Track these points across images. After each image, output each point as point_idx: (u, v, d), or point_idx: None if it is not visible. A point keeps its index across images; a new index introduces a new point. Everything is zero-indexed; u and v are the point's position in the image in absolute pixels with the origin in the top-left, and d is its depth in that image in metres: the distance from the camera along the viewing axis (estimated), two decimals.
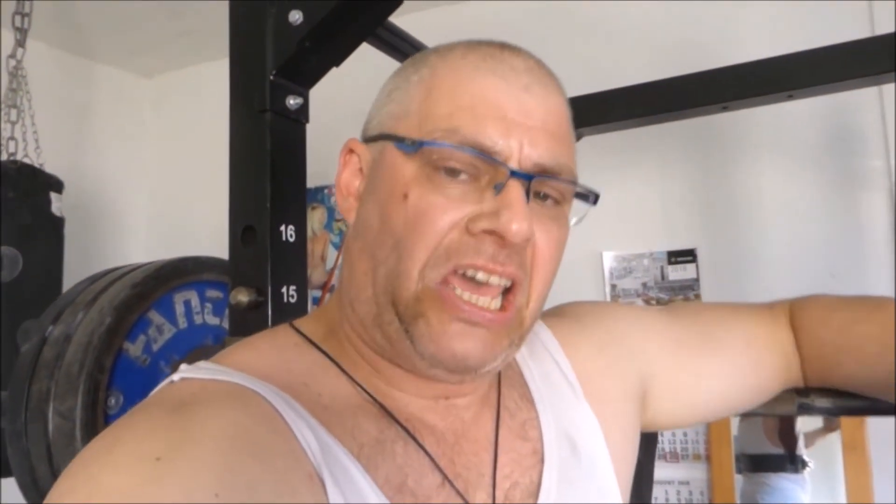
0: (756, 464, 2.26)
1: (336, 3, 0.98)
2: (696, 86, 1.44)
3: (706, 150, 2.28)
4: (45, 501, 0.43)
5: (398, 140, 0.57)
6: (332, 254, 2.78)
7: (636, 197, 2.31)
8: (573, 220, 0.61)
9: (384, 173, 0.58)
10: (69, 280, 2.12)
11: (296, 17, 1.01)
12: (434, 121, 0.56)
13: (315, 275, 2.75)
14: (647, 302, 2.33)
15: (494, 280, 0.54)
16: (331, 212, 2.81)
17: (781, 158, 2.18)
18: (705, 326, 0.78)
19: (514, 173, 0.54)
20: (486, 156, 0.53)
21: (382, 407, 0.57)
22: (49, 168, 2.17)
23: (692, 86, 1.45)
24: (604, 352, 0.72)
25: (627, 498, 0.67)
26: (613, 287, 2.38)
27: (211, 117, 3.02)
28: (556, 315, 0.74)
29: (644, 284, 2.35)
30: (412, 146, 0.55)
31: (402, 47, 1.26)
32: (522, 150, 0.54)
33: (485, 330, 0.54)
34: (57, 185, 2.13)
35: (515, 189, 0.53)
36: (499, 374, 0.65)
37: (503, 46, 0.59)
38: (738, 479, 2.24)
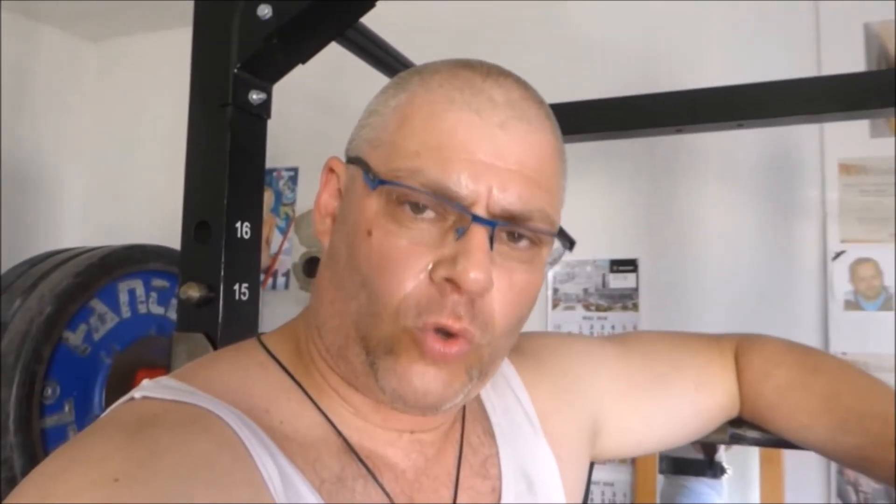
0: (677, 467, 2.34)
1: (308, 2, 0.97)
2: (653, 107, 1.47)
3: (655, 166, 2.34)
4: None
5: (366, 169, 0.55)
6: (276, 238, 2.74)
7: (583, 205, 2.35)
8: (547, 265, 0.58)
9: (353, 204, 0.56)
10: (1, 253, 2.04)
11: (265, 11, 0.99)
12: (400, 158, 0.53)
13: None
14: (588, 308, 2.39)
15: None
16: (278, 195, 2.77)
17: (724, 182, 2.26)
18: (657, 366, 0.80)
19: (476, 219, 0.51)
20: (448, 201, 0.51)
21: (345, 441, 0.56)
22: None
23: (648, 106, 1.48)
24: (561, 392, 0.73)
25: None
26: (556, 291, 2.42)
27: (159, 90, 2.95)
28: (517, 351, 0.74)
29: (585, 290, 2.40)
30: (373, 181, 0.53)
31: (368, 48, 1.25)
32: (491, 194, 0.52)
33: (443, 370, 0.53)
34: None
35: (477, 236, 0.51)
36: (463, 408, 0.65)
37: (488, 73, 0.56)
38: (660, 480, 2.32)
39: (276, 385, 0.58)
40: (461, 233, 0.51)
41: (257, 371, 0.58)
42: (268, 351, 0.60)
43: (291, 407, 0.56)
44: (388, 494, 0.55)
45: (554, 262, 0.59)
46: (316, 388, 0.58)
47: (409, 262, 0.52)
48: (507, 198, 0.52)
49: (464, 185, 0.51)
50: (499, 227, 0.52)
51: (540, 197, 0.54)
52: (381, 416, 0.58)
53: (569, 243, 0.58)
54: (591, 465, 0.80)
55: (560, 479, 0.67)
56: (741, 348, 0.82)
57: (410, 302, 0.52)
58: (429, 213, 0.52)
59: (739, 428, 0.81)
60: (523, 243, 0.55)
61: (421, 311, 0.52)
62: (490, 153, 0.52)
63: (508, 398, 0.69)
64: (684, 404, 0.79)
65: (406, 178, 0.52)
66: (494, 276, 0.53)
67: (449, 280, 0.51)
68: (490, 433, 0.66)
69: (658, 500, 2.28)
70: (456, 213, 0.52)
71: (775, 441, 0.79)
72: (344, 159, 0.61)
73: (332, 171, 0.61)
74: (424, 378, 0.53)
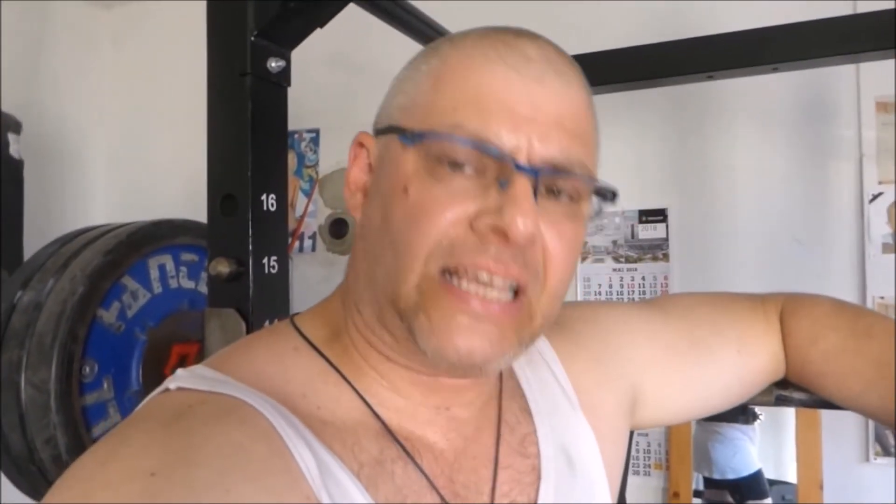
0: None
1: None
2: (683, 53, 1.42)
3: (682, 112, 2.27)
4: None
5: (401, 132, 0.54)
6: (301, 200, 2.73)
7: (610, 155, 2.26)
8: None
9: (388, 168, 0.55)
10: (28, 224, 2.05)
11: None
12: (438, 114, 0.53)
13: None
14: (617, 260, 2.36)
15: (498, 281, 0.51)
16: (300, 157, 2.75)
17: (755, 125, 2.19)
18: (697, 331, 0.77)
19: (519, 167, 0.50)
20: (490, 150, 0.51)
21: (383, 423, 0.56)
22: (5, 107, 2.07)
23: (679, 53, 1.43)
24: (598, 364, 0.71)
25: (615, 501, 0.68)
26: (584, 244, 2.39)
27: (177, 54, 2.90)
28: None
29: (614, 242, 2.36)
30: (411, 138, 0.52)
31: (388, 7, 1.21)
32: (532, 146, 0.51)
33: (492, 325, 0.51)
34: (15, 126, 2.03)
35: (522, 185, 0.50)
36: (500, 385, 0.64)
37: (519, 33, 0.56)
38: (693, 426, 2.32)
39: (311, 370, 0.57)
40: (505, 184, 0.51)
41: (293, 356, 0.58)
42: (302, 334, 0.60)
43: (328, 391, 0.56)
44: (427, 476, 0.55)
45: (596, 215, 0.58)
46: (354, 369, 0.58)
47: (448, 210, 0.51)
48: (548, 149, 0.52)
49: (504, 137, 0.51)
50: (542, 176, 0.51)
51: (579, 150, 0.54)
52: (419, 390, 0.57)
53: (611, 194, 0.57)
54: (631, 434, 0.79)
55: (600, 454, 0.66)
56: (787, 310, 0.79)
57: (444, 246, 0.51)
58: (468, 169, 0.52)
59: (785, 390, 0.79)
60: (564, 198, 0.54)
61: (455, 252, 0.51)
62: (529, 106, 0.52)
63: (544, 374, 0.68)
64: (727, 369, 0.77)
65: (445, 132, 0.51)
66: (544, 227, 0.53)
67: (494, 229, 0.50)
68: (527, 411, 0.65)
69: (692, 447, 2.28)
70: (497, 166, 0.51)
71: (822, 403, 0.77)
72: (371, 133, 0.60)
73: (361, 145, 0.60)
74: (471, 336, 0.51)
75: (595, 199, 0.57)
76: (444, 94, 0.53)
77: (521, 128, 0.51)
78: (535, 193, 0.51)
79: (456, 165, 0.51)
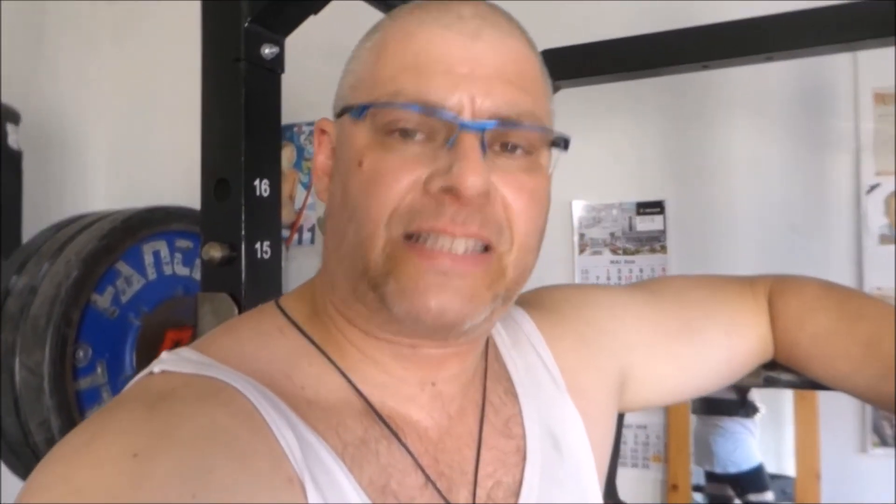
0: (710, 407, 2.34)
1: None
2: (678, 43, 1.42)
3: (679, 104, 2.27)
4: (18, 497, 0.42)
5: (351, 109, 0.55)
6: (300, 193, 2.74)
7: (608, 147, 2.30)
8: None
9: (345, 146, 0.56)
10: (28, 216, 2.06)
11: None
12: (381, 84, 0.54)
13: (282, 214, 2.71)
14: (615, 252, 2.36)
15: (460, 244, 0.51)
16: (300, 150, 2.75)
17: (752, 116, 2.19)
18: (685, 312, 0.77)
19: (463, 125, 0.51)
20: (432, 110, 0.51)
21: (367, 402, 0.56)
22: (4, 98, 2.07)
23: (673, 43, 1.43)
24: (585, 346, 0.71)
25: (603, 484, 0.68)
26: (581, 236, 2.39)
27: (175, 50, 2.91)
28: (536, 306, 0.73)
29: (612, 234, 2.36)
30: (358, 112, 0.53)
31: None
32: (475, 102, 0.51)
33: (462, 280, 0.51)
34: (13, 117, 2.04)
35: (468, 141, 0.50)
36: (485, 367, 0.64)
37: None
38: (693, 420, 2.32)
39: (296, 350, 0.57)
40: (452, 143, 0.51)
41: (277, 337, 0.58)
42: (286, 315, 0.60)
43: (313, 371, 0.56)
44: (412, 455, 0.55)
45: (552, 168, 0.58)
46: (336, 348, 0.58)
47: (400, 175, 0.51)
48: (493, 101, 0.52)
49: (445, 96, 0.51)
50: (489, 130, 0.52)
51: (525, 100, 0.54)
52: (401, 364, 0.57)
53: (563, 142, 0.57)
54: (622, 416, 0.79)
55: (587, 435, 0.66)
56: (776, 292, 0.79)
57: (402, 210, 0.51)
58: (419, 137, 0.52)
59: (773, 371, 0.79)
60: (518, 152, 0.54)
61: (413, 217, 0.51)
62: (467, 62, 0.52)
63: (530, 356, 0.68)
64: (716, 351, 0.77)
65: (388, 100, 0.52)
66: (501, 183, 0.53)
67: (446, 190, 0.50)
68: (512, 392, 0.65)
69: (691, 441, 2.28)
70: (444, 127, 0.52)
71: (810, 384, 0.77)
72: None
73: (323, 131, 0.60)
74: (440, 293, 0.51)
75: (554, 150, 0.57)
76: (385, 64, 0.54)
77: (460, 86, 0.52)
78: (485, 149, 0.51)
79: (405, 133, 0.52)
